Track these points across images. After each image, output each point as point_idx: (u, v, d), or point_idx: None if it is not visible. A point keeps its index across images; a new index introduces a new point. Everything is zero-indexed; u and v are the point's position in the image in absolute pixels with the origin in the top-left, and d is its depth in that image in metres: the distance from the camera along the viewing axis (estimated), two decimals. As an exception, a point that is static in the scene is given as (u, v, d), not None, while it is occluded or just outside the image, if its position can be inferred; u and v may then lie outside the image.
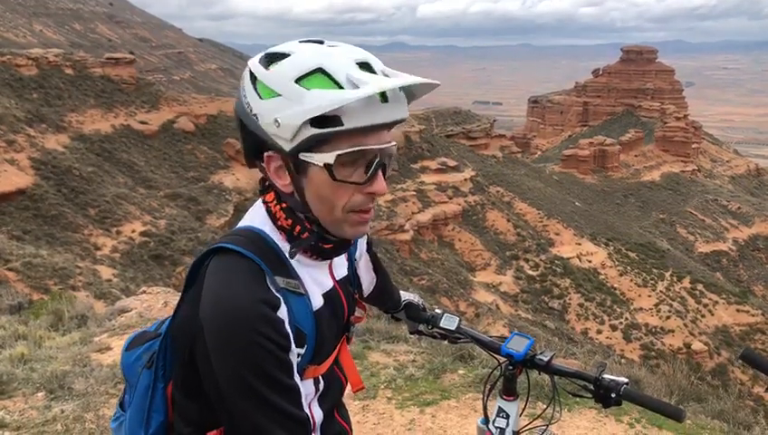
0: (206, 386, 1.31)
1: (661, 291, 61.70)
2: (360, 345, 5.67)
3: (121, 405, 1.60)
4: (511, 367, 1.90)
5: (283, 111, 1.26)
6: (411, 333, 2.24)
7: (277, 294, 1.30)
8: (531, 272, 59.89)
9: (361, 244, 1.82)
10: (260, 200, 1.46)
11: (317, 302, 1.43)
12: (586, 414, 4.42)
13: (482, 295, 51.46)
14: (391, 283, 2.09)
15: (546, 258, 61.65)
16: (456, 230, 61.45)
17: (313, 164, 1.29)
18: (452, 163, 67.42)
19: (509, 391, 1.91)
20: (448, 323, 2.06)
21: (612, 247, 66.98)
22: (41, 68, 50.83)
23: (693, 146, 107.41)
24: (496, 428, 1.90)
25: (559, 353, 6.24)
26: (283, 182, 1.35)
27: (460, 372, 5.14)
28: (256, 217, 1.43)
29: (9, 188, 34.32)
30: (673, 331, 57.12)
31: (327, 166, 1.28)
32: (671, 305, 60.07)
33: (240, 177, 51.38)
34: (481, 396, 2.07)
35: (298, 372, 1.35)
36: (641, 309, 59.06)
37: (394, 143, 1.36)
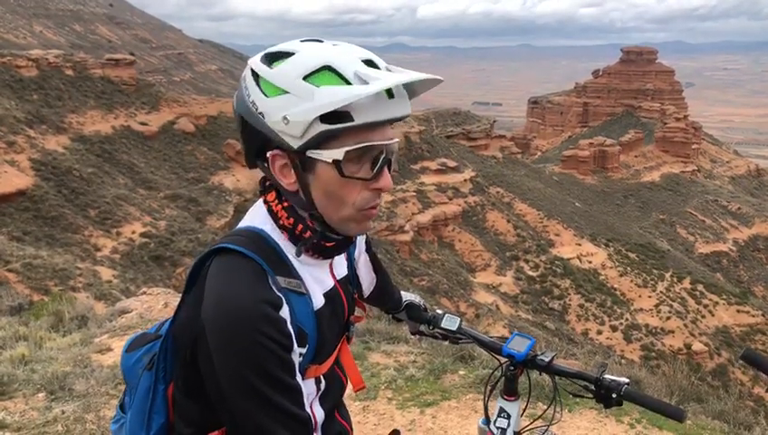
0: (207, 386, 1.31)
1: (661, 292, 61.69)
2: (360, 346, 5.67)
3: (122, 407, 1.60)
4: (512, 367, 1.90)
5: (292, 109, 1.27)
6: (412, 334, 2.25)
7: (279, 294, 1.29)
8: (531, 273, 59.89)
9: (360, 243, 1.82)
10: (260, 200, 1.46)
11: (318, 301, 1.43)
12: (587, 415, 4.42)
13: (482, 296, 51.44)
14: (392, 283, 2.10)
15: (546, 259, 61.65)
16: (456, 231, 61.44)
17: (321, 161, 1.30)
18: (452, 164, 67.41)
19: (510, 392, 1.91)
20: (450, 323, 2.07)
21: (612, 248, 66.98)
22: (41, 69, 50.84)
23: (693, 147, 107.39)
24: (497, 428, 1.90)
25: (559, 354, 6.24)
26: (288, 181, 1.36)
27: (461, 372, 5.14)
28: (257, 217, 1.43)
29: (9, 190, 34.32)
30: (673, 331, 57.10)
31: (336, 162, 1.29)
32: (671, 306, 60.05)
33: (240, 178, 51.38)
34: (481, 397, 2.08)
35: (300, 372, 1.35)
36: (641, 310, 59.05)
37: (397, 139, 1.37)
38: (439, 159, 67.26)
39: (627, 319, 57.20)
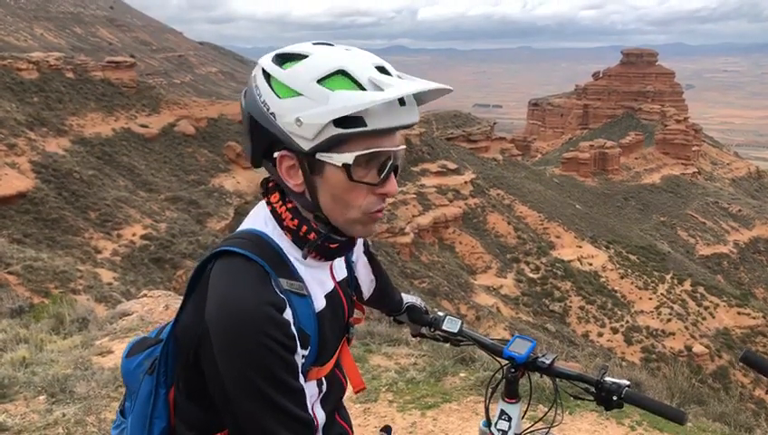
0: (211, 389, 1.31)
1: (662, 294, 61.66)
2: (361, 348, 5.67)
3: (122, 412, 1.60)
4: (513, 370, 1.90)
5: (306, 111, 1.27)
6: (413, 336, 2.25)
7: (282, 296, 1.30)
8: (531, 275, 59.86)
9: (359, 246, 1.83)
10: (261, 203, 1.46)
11: (320, 303, 1.43)
12: (587, 417, 4.42)
13: (482, 298, 51.42)
14: (392, 285, 2.10)
15: (547, 261, 61.63)
16: (456, 233, 61.43)
17: (330, 164, 1.31)
18: (452, 166, 67.43)
19: (511, 394, 1.91)
20: (451, 325, 2.07)
21: (613, 250, 66.96)
22: (42, 72, 50.88)
23: (693, 149, 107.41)
24: (498, 430, 1.90)
25: (560, 356, 6.23)
26: (295, 182, 1.36)
27: (461, 374, 5.14)
28: (258, 219, 1.44)
29: (10, 192, 34.32)
30: (674, 333, 57.06)
31: (345, 166, 1.29)
32: (672, 308, 60.02)
33: (241, 180, 51.41)
34: (482, 399, 2.08)
35: (302, 374, 1.35)
36: (642, 312, 59.01)
37: (404, 146, 1.38)
38: (440, 162, 67.28)
39: (627, 321, 57.17)
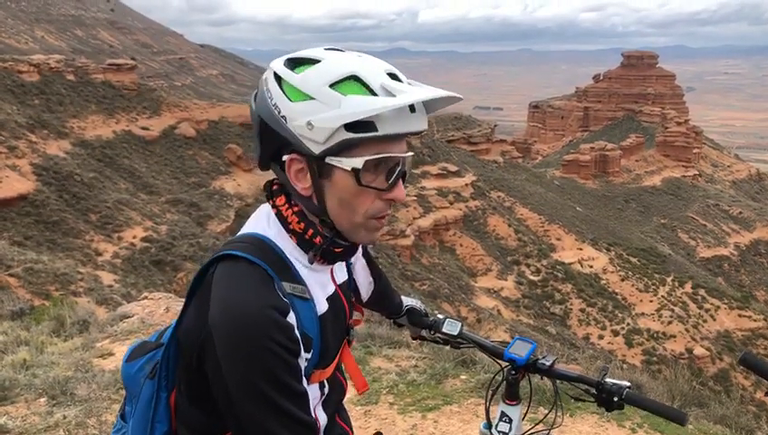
0: (214, 392, 1.31)
1: (663, 296, 61.62)
2: (361, 351, 5.67)
3: (122, 416, 1.60)
4: (513, 372, 1.90)
5: (318, 115, 1.28)
6: (414, 339, 2.25)
7: (285, 300, 1.30)
8: (532, 277, 59.84)
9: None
10: (264, 206, 1.47)
11: (322, 306, 1.44)
12: (588, 419, 4.41)
13: (483, 301, 51.41)
14: (391, 287, 2.10)
15: (547, 263, 61.61)
16: (457, 235, 61.42)
17: (339, 168, 1.31)
18: (453, 168, 67.44)
19: (512, 396, 1.91)
20: (451, 328, 2.07)
21: (614, 252, 66.93)
22: (42, 74, 50.96)
23: (694, 151, 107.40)
24: (499, 432, 1.90)
25: (561, 359, 6.23)
26: (303, 185, 1.36)
27: (462, 377, 5.14)
28: (260, 222, 1.44)
29: (11, 194, 34.36)
30: (675, 336, 57.01)
31: (354, 170, 1.30)
32: (673, 311, 59.98)
33: (241, 182, 51.45)
34: (483, 401, 2.08)
35: (305, 377, 1.36)
36: (643, 314, 58.97)
37: (411, 153, 1.39)
38: (440, 164, 67.29)
39: (628, 324, 57.13)
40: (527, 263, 61.27)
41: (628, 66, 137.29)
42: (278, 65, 1.36)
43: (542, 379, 1.99)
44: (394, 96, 1.27)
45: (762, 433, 4.57)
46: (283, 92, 1.32)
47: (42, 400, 4.66)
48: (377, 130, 1.27)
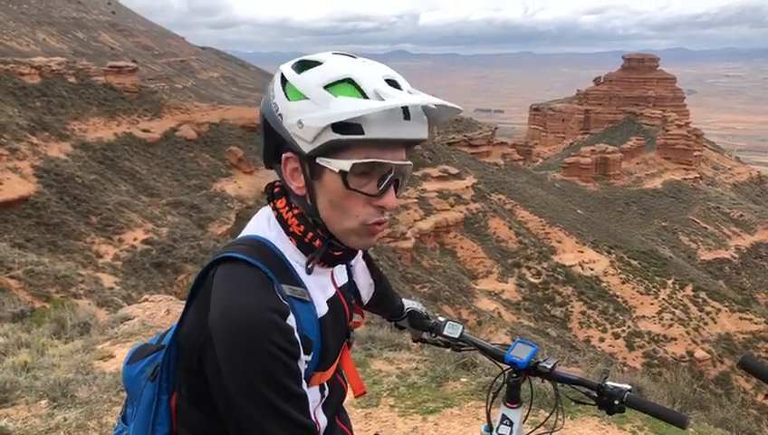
0: (214, 394, 1.32)
1: (664, 299, 61.54)
2: (362, 353, 5.67)
3: (123, 419, 1.60)
4: (514, 374, 1.90)
5: (308, 114, 1.29)
6: (414, 341, 2.25)
7: (285, 302, 1.30)
8: (533, 280, 59.79)
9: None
10: (265, 208, 1.47)
11: (322, 309, 1.44)
12: (589, 422, 4.41)
13: (484, 303, 51.37)
14: (392, 290, 2.10)
15: (548, 266, 61.56)
16: (457, 238, 61.40)
17: (329, 169, 1.32)
18: (454, 171, 67.44)
19: (513, 399, 1.91)
20: (452, 330, 2.07)
21: (614, 255, 66.87)
22: (44, 76, 51.04)
23: (695, 153, 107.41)
24: (500, 435, 1.90)
25: (561, 362, 6.22)
26: (297, 184, 1.38)
27: (463, 379, 5.13)
28: (261, 224, 1.44)
29: (12, 196, 34.39)
30: (675, 339, 56.92)
31: (342, 173, 1.30)
32: (674, 313, 59.90)
33: (242, 184, 51.48)
34: (484, 404, 2.08)
35: (305, 380, 1.36)
36: (644, 317, 58.90)
37: (410, 163, 1.38)
38: (441, 166, 67.30)
39: (629, 326, 57.06)
40: (528, 265, 61.22)
41: (628, 69, 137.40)
42: (286, 67, 1.38)
43: (542, 382, 1.99)
44: (383, 100, 1.27)
45: (763, 436, 4.56)
46: (284, 92, 1.34)
47: (42, 402, 4.66)
48: (363, 133, 1.27)
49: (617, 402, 1.75)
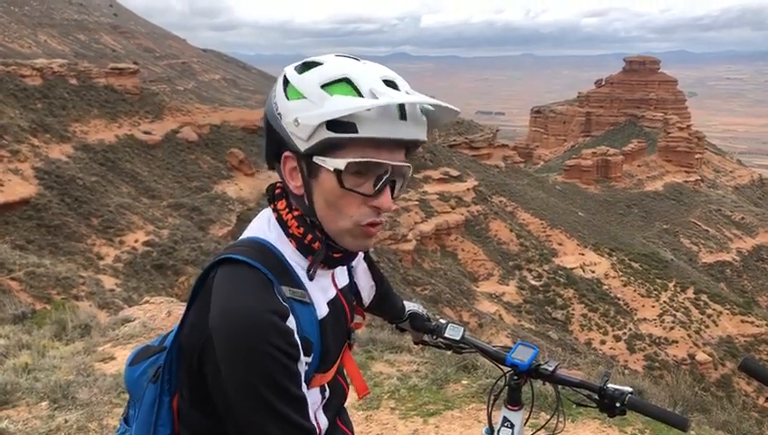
0: (214, 395, 1.32)
1: (665, 301, 61.48)
2: (363, 355, 5.67)
3: (125, 420, 1.61)
4: (515, 377, 1.90)
5: (304, 112, 1.30)
6: (416, 344, 2.25)
7: (285, 304, 1.31)
8: (534, 282, 59.74)
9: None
10: (266, 210, 1.48)
11: (322, 310, 1.44)
12: (590, 425, 4.40)
13: (485, 305, 51.33)
14: (393, 292, 2.10)
15: (549, 268, 61.51)
16: (458, 240, 61.38)
17: (325, 168, 1.32)
18: (455, 173, 67.43)
19: (514, 401, 1.91)
20: (453, 332, 2.07)
21: (616, 258, 66.83)
22: (45, 78, 51.07)
23: (696, 156, 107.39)
24: (501, 437, 1.89)
25: (563, 364, 6.20)
26: (295, 184, 1.38)
27: (463, 382, 5.13)
28: (262, 226, 1.45)
29: (13, 198, 34.40)
30: (677, 341, 56.86)
31: (337, 172, 1.31)
32: (675, 316, 59.83)
33: (243, 186, 51.49)
34: (485, 406, 2.08)
35: (305, 381, 1.36)
36: (645, 319, 58.83)
37: (409, 165, 1.38)
38: (442, 168, 67.29)
39: (630, 329, 57.00)
40: (529, 268, 61.18)
41: (630, 71, 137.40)
42: (289, 69, 1.39)
43: (543, 384, 1.99)
44: (377, 99, 1.27)
45: (764, 439, 4.55)
46: (285, 93, 1.35)
47: (43, 403, 4.66)
48: (357, 132, 1.27)
49: (618, 405, 1.75)
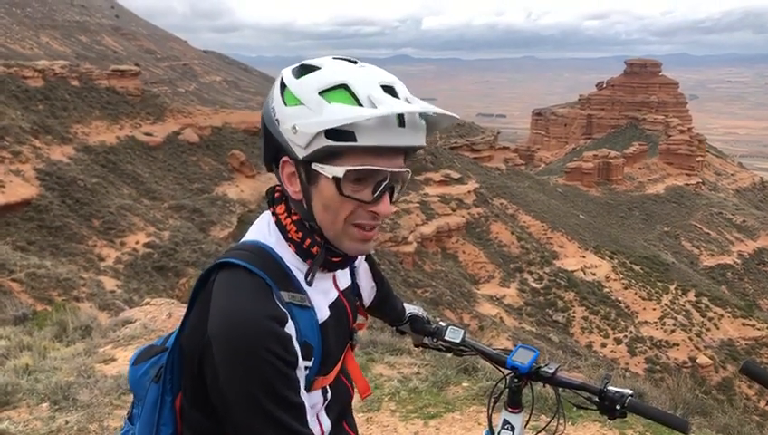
0: (213, 399, 1.33)
1: (666, 304, 61.43)
2: (363, 357, 5.66)
3: (130, 419, 1.61)
4: (516, 379, 1.90)
5: (302, 120, 1.29)
6: (416, 346, 2.25)
7: (283, 309, 1.31)
8: (535, 284, 59.70)
9: None
10: (266, 213, 1.48)
11: (323, 314, 1.45)
12: (590, 428, 4.40)
13: (486, 308, 51.30)
14: (393, 294, 2.10)
15: (550, 271, 61.48)
16: (459, 242, 61.37)
17: (323, 175, 1.32)
18: (456, 175, 67.42)
19: (514, 404, 1.91)
20: (453, 335, 2.07)
21: (617, 260, 66.79)
22: (47, 80, 51.13)
23: (697, 159, 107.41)
24: (501, 440, 1.89)
25: (563, 367, 6.21)
26: (294, 189, 1.38)
27: (464, 384, 5.13)
28: (262, 230, 1.45)
29: (14, 199, 34.43)
30: (678, 344, 56.80)
31: (335, 179, 1.30)
32: (676, 319, 59.78)
33: (244, 188, 51.50)
34: (485, 409, 2.08)
35: (306, 384, 1.37)
36: (646, 322, 58.78)
37: (408, 170, 1.37)
38: (443, 171, 67.28)
39: (631, 332, 56.94)
40: (530, 270, 61.14)
41: (631, 74, 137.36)
42: (286, 72, 1.38)
43: (544, 387, 1.99)
44: (376, 108, 1.27)
45: (765, 442, 4.54)
46: (283, 97, 1.34)
47: (44, 405, 4.67)
48: (356, 141, 1.27)
49: (618, 407, 1.74)
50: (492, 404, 1.97)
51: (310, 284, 1.41)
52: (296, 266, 1.41)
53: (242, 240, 1.46)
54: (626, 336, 56.39)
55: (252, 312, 1.27)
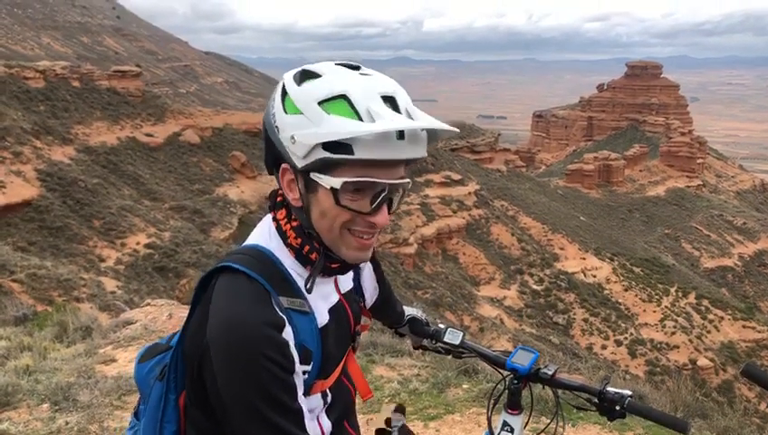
0: (212, 401, 1.34)
1: (666, 306, 61.42)
2: (363, 359, 5.67)
3: (136, 415, 1.63)
4: (515, 381, 1.90)
5: (301, 130, 1.29)
6: (415, 348, 2.25)
7: (282, 315, 1.31)
8: (535, 286, 59.70)
9: None
10: (267, 217, 1.49)
11: (323, 318, 1.45)
12: (590, 429, 4.40)
13: (486, 310, 51.29)
14: (394, 296, 2.10)
15: (551, 273, 61.47)
16: (460, 244, 61.38)
17: (321, 185, 1.32)
18: (456, 177, 67.44)
19: (514, 405, 1.91)
20: (452, 337, 2.07)
21: (617, 262, 66.78)
22: (48, 80, 51.17)
23: (698, 161, 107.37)
24: (501, 441, 1.89)
25: (563, 369, 6.22)
26: (294, 196, 1.38)
27: (464, 386, 5.13)
28: (263, 234, 1.46)
29: (15, 200, 34.44)
30: (678, 347, 56.79)
31: (333, 190, 1.31)
32: (676, 321, 59.76)
33: (245, 189, 51.52)
34: (485, 410, 2.08)
35: (305, 389, 1.37)
36: (646, 324, 58.78)
37: (407, 180, 1.37)
38: (444, 172, 67.29)
39: (631, 334, 56.94)
40: (530, 272, 61.14)
41: (632, 76, 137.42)
42: (288, 77, 1.38)
43: (543, 388, 1.99)
44: (374, 122, 1.26)
45: (765, 445, 4.54)
46: (283, 105, 1.34)
47: (44, 405, 4.67)
48: (353, 154, 1.27)
49: (618, 408, 1.74)
50: (491, 406, 1.97)
51: (309, 291, 1.41)
52: (296, 272, 1.42)
53: (243, 244, 1.47)
54: (626, 338, 56.38)
55: (249, 318, 1.28)
